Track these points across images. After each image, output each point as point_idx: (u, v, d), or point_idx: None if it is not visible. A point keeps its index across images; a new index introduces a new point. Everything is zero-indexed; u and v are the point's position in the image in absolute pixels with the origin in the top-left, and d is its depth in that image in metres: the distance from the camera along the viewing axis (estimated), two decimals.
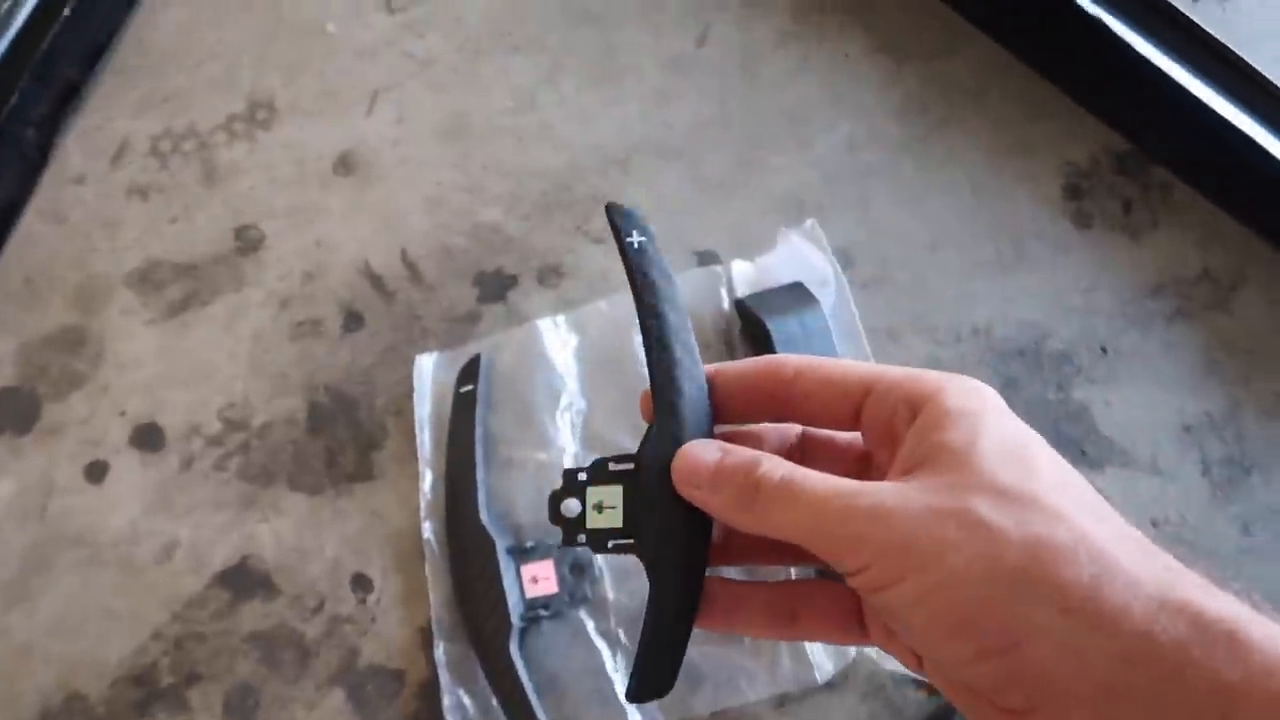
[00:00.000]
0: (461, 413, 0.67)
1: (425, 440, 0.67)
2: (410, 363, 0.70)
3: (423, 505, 0.66)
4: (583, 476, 0.40)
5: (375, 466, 0.68)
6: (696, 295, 0.70)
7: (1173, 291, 0.70)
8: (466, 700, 0.62)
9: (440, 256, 0.73)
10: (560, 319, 0.70)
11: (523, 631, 0.63)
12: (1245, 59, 0.69)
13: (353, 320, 0.72)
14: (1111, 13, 0.71)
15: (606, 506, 0.40)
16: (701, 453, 0.36)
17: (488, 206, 0.75)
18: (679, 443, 0.37)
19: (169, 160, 0.78)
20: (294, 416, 0.70)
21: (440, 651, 0.63)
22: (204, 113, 0.79)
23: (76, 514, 0.68)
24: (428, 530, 0.65)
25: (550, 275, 0.72)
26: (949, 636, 0.30)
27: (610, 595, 0.64)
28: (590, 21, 0.80)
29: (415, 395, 0.68)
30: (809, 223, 0.71)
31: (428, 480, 0.66)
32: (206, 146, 0.78)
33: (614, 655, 0.62)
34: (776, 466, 0.34)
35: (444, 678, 0.62)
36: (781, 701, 0.62)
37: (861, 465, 0.38)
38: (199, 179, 0.77)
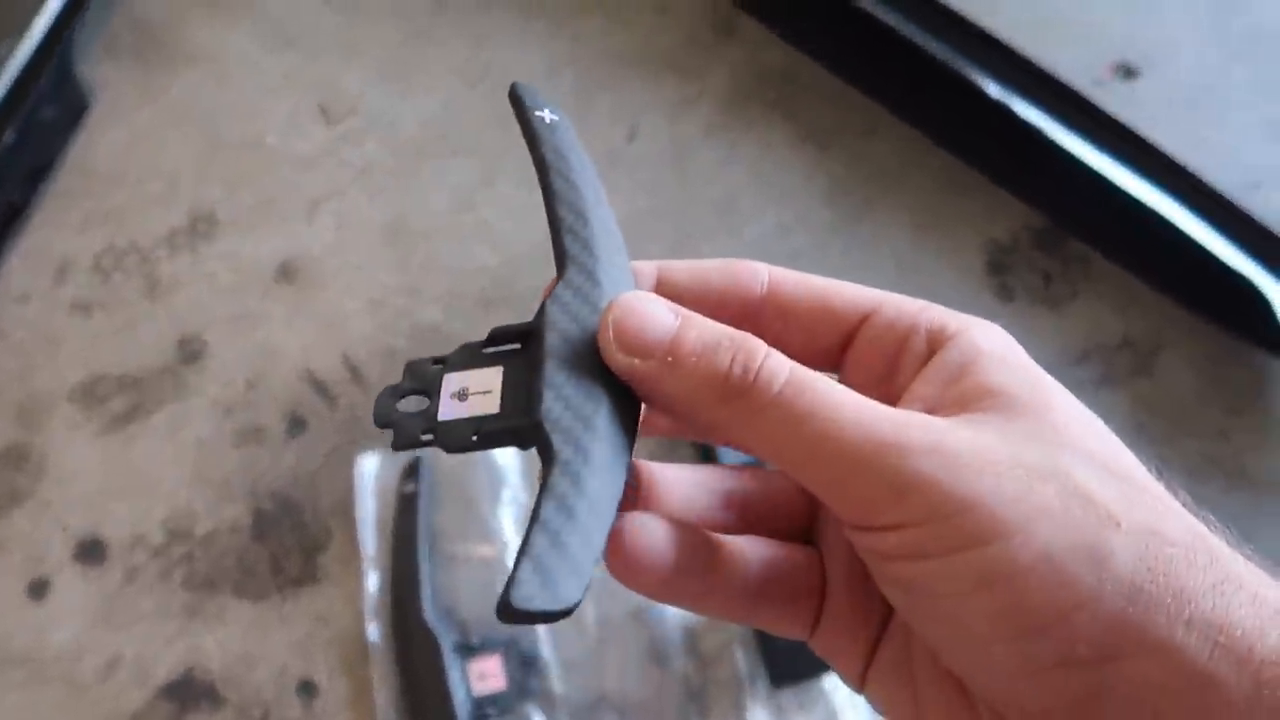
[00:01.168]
0: (404, 512, 0.67)
1: (369, 541, 0.68)
2: (354, 465, 0.70)
3: (367, 606, 0.66)
4: (435, 364, 0.30)
5: (320, 569, 0.68)
6: None
7: (1096, 359, 0.72)
8: None
9: (382, 358, 0.75)
10: None
11: None
12: (1146, 136, 0.73)
13: (296, 425, 0.73)
14: (1016, 96, 0.75)
15: (474, 393, 0.29)
16: (652, 309, 0.26)
17: (427, 306, 0.76)
18: (598, 305, 0.28)
19: (111, 276, 0.79)
20: (238, 523, 0.70)
21: None
22: (145, 228, 0.81)
23: (18, 633, 0.68)
24: (373, 631, 0.65)
25: None
26: (1020, 634, 0.22)
27: (558, 689, 0.64)
28: None
29: (357, 497, 0.69)
30: None
31: (372, 581, 0.67)
32: (148, 261, 0.79)
33: None
34: (779, 357, 0.24)
35: None
36: None
37: None
38: (141, 293, 0.78)
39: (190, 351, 0.76)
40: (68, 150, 0.84)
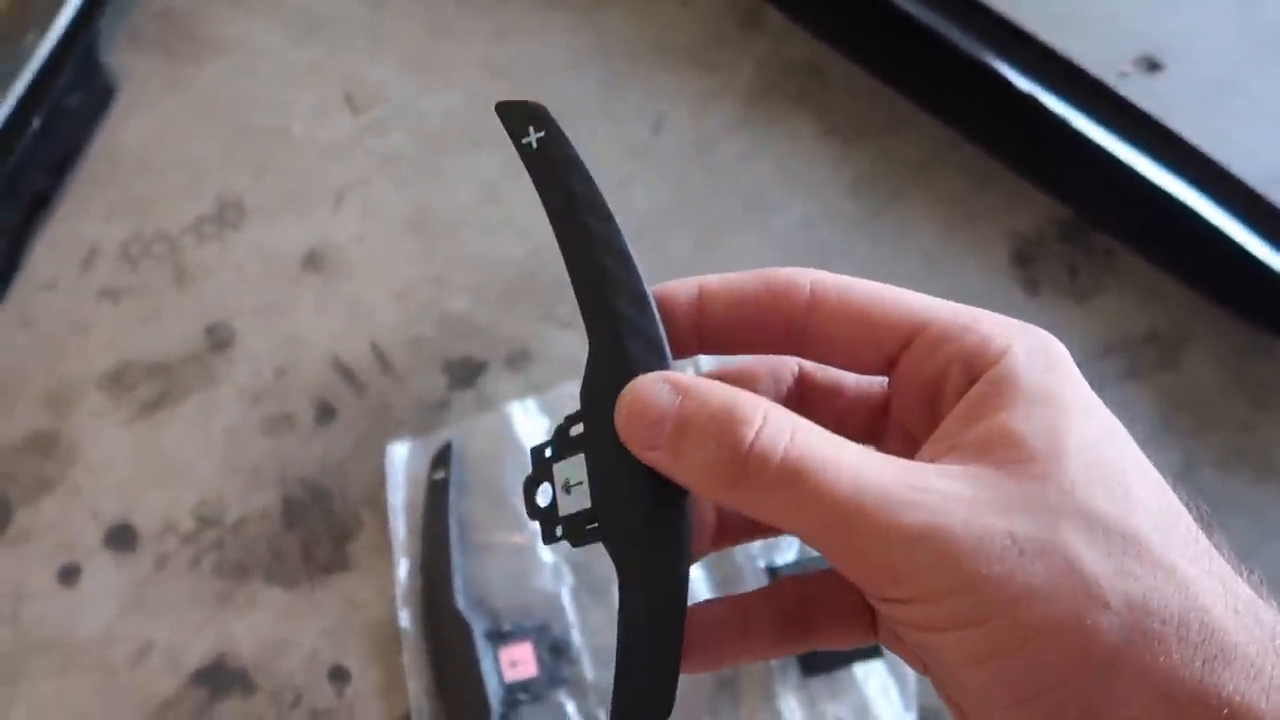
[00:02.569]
0: (435, 500, 0.68)
1: (399, 528, 0.68)
2: (383, 452, 0.70)
3: (399, 593, 0.66)
4: (548, 452, 0.30)
5: (351, 557, 0.68)
6: None
7: (1122, 352, 0.73)
8: None
9: (409, 346, 0.75)
10: (530, 402, 0.71)
11: (503, 716, 0.63)
12: (1171, 128, 0.73)
13: (325, 413, 0.73)
14: (1043, 89, 0.75)
15: (574, 484, 0.29)
16: (651, 395, 0.25)
17: (454, 296, 0.76)
18: (619, 378, 0.27)
19: (139, 263, 0.79)
20: (268, 511, 0.70)
21: None
22: (173, 216, 0.81)
23: (49, 619, 0.68)
24: (404, 618, 0.65)
25: (519, 360, 0.74)
26: (1013, 704, 0.23)
27: (590, 675, 0.64)
28: None
29: (388, 484, 0.69)
30: None
31: (403, 568, 0.67)
32: (176, 249, 0.79)
33: None
34: (774, 431, 0.24)
35: None
36: None
37: (876, 420, 0.30)
38: (169, 280, 0.78)
39: (218, 339, 0.76)
40: (94, 139, 0.84)
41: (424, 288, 0.77)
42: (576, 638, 0.65)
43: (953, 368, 0.26)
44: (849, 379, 0.30)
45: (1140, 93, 0.76)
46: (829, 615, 0.29)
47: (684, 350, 0.29)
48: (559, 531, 0.30)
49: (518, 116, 0.32)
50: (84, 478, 0.72)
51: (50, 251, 0.80)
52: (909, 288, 0.80)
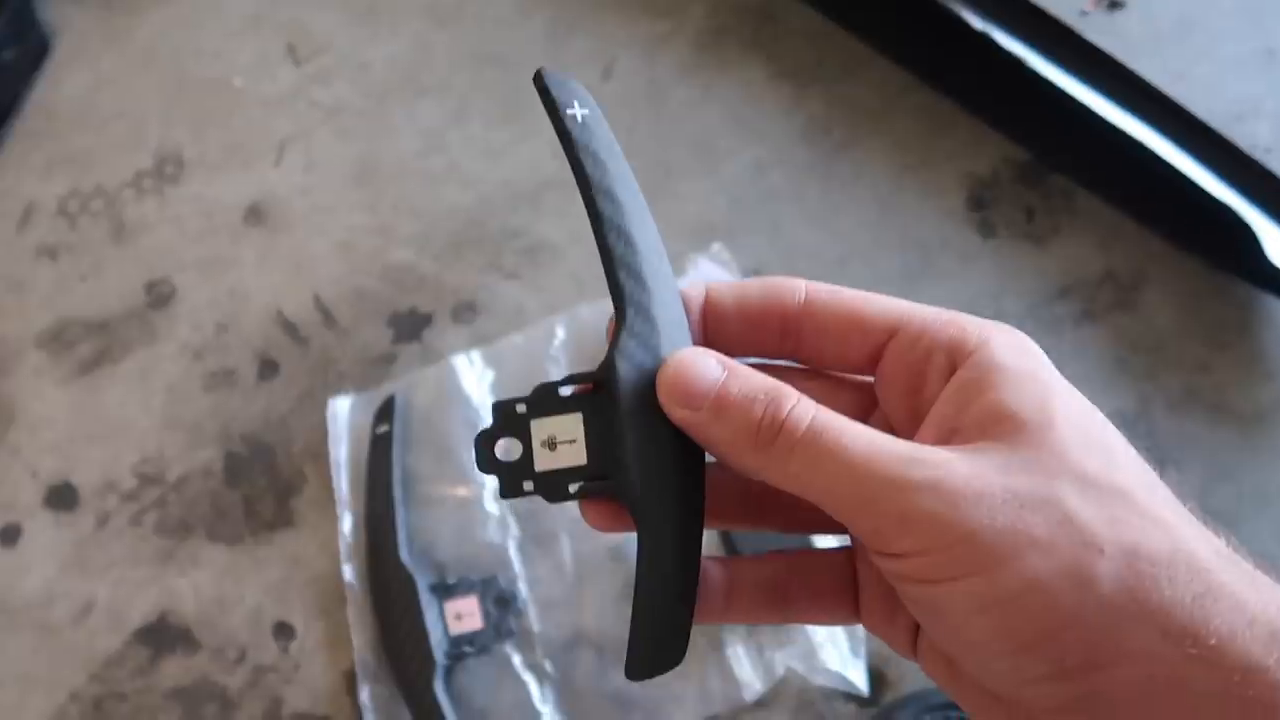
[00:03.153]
0: (378, 453, 0.67)
1: (343, 483, 0.67)
2: (326, 407, 0.69)
3: (343, 548, 0.65)
4: (521, 409, 0.31)
5: (294, 513, 0.68)
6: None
7: (1078, 294, 0.72)
8: None
9: (353, 300, 0.73)
10: (475, 354, 0.70)
11: (448, 670, 0.62)
12: (1131, 69, 0.72)
13: (267, 368, 0.72)
14: (1000, 29, 0.73)
15: (561, 441, 0.31)
16: (700, 366, 0.28)
17: (399, 248, 0.75)
18: (658, 351, 0.29)
19: (77, 220, 0.77)
20: (210, 468, 0.69)
21: (365, 695, 0.62)
22: (111, 171, 0.79)
23: None
24: (349, 573, 0.65)
25: (465, 312, 0.73)
26: (1016, 650, 0.25)
27: (536, 627, 0.63)
28: (495, 62, 0.81)
29: (331, 438, 0.68)
30: (716, 246, 0.72)
31: (347, 523, 0.66)
32: (115, 204, 0.78)
33: (541, 688, 0.62)
34: (805, 404, 0.27)
35: None
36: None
37: (861, 413, 0.31)
38: (108, 236, 0.77)
39: (159, 295, 0.74)
40: (30, 93, 0.82)
41: (368, 239, 0.75)
42: (523, 590, 0.64)
43: (935, 357, 0.28)
44: (846, 379, 0.32)
45: (1100, 32, 0.75)
46: (809, 592, 0.31)
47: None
48: (528, 486, 0.31)
49: (562, 91, 0.33)
50: (23, 437, 0.71)
51: None
52: (863, 233, 0.80)
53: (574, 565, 0.64)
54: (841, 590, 0.31)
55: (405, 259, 0.74)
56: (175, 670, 0.64)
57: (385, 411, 0.67)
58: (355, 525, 0.66)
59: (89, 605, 0.66)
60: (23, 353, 0.73)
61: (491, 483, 0.65)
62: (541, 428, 0.31)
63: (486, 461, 0.31)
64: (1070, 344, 0.70)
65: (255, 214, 0.77)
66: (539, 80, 0.33)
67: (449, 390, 0.69)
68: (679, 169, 0.77)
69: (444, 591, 0.63)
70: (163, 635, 0.65)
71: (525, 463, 0.31)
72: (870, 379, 0.31)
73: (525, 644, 0.63)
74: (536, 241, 0.75)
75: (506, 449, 0.31)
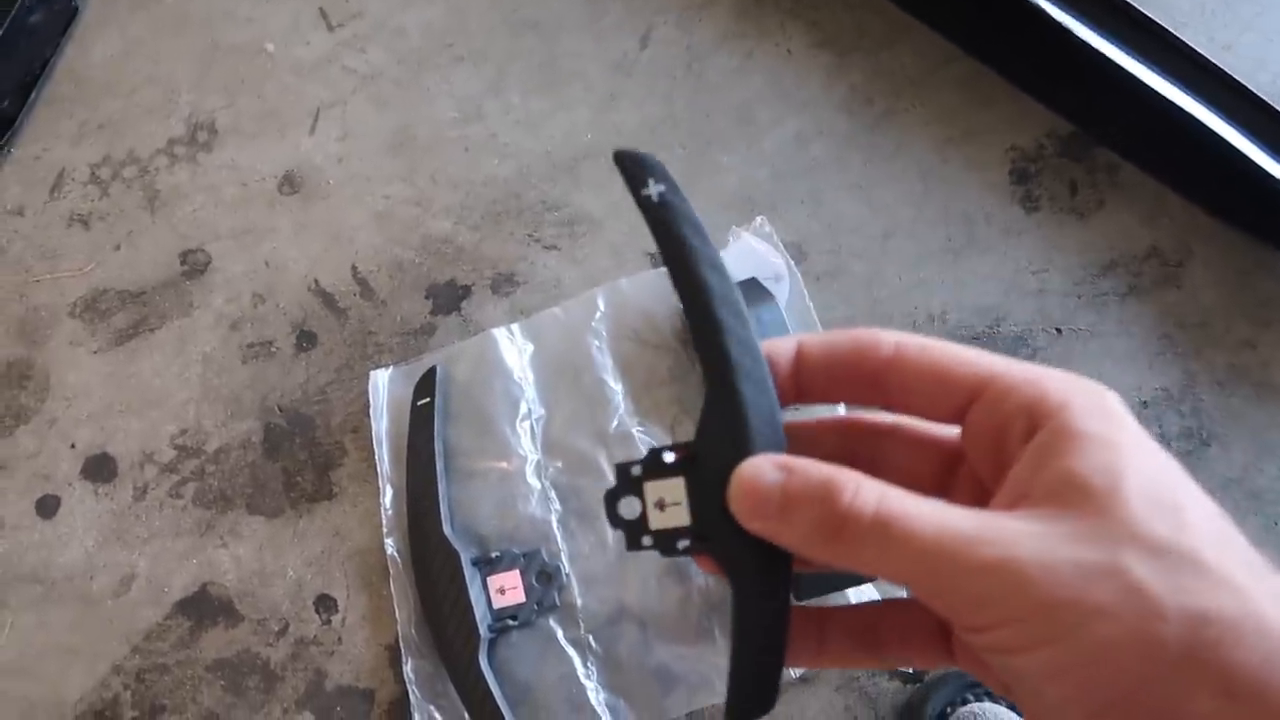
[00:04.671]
0: (420, 426, 0.66)
1: (384, 456, 0.67)
2: (365, 379, 0.69)
3: (384, 521, 0.65)
4: (637, 470, 0.34)
5: (335, 485, 0.67)
6: (652, 297, 0.70)
7: (1123, 269, 0.71)
8: (438, 716, 0.61)
9: (391, 271, 0.73)
10: (515, 327, 0.69)
11: (491, 643, 0.62)
12: (1182, 39, 0.70)
13: (305, 339, 0.71)
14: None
15: (669, 503, 0.34)
16: (761, 476, 0.30)
17: (437, 218, 0.74)
18: (741, 446, 0.32)
19: (110, 187, 0.76)
20: (249, 439, 0.69)
21: (409, 668, 0.62)
22: (143, 138, 0.78)
23: (29, 550, 0.67)
24: (391, 546, 0.64)
25: (504, 284, 0.72)
26: (1090, 715, 0.26)
27: (579, 601, 0.63)
28: (532, 29, 0.80)
29: (371, 411, 0.68)
30: (759, 219, 0.71)
31: (388, 496, 0.66)
32: (148, 172, 0.77)
33: (585, 661, 0.62)
34: (866, 495, 0.28)
35: (414, 695, 0.61)
36: None
37: (949, 465, 0.33)
38: (141, 205, 0.76)
39: (194, 264, 0.74)
40: (58, 59, 0.81)
41: (405, 209, 0.75)
42: (565, 564, 0.64)
43: (1016, 419, 0.29)
44: (929, 428, 0.33)
45: (1147, 2, 0.73)
46: (900, 637, 0.33)
47: (784, 399, 0.32)
48: (646, 541, 0.34)
49: (637, 168, 0.34)
50: (59, 408, 0.70)
51: (17, 176, 0.77)
52: (905, 207, 0.78)
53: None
54: (933, 633, 0.32)
55: (443, 230, 0.74)
56: (217, 642, 0.64)
57: (426, 383, 0.67)
58: (396, 498, 0.65)
59: (129, 577, 0.66)
60: (57, 322, 0.73)
61: (530, 470, 0.64)
62: (653, 489, 0.34)
63: (614, 518, 0.34)
64: (1115, 320, 0.69)
65: (290, 183, 0.76)
66: (619, 161, 0.33)
67: (489, 363, 0.68)
68: (720, 139, 0.76)
69: (487, 565, 0.63)
70: (204, 607, 0.65)
71: (643, 520, 0.34)
72: (958, 430, 0.32)
73: (568, 618, 0.63)
74: (575, 213, 0.74)
75: (628, 507, 0.34)
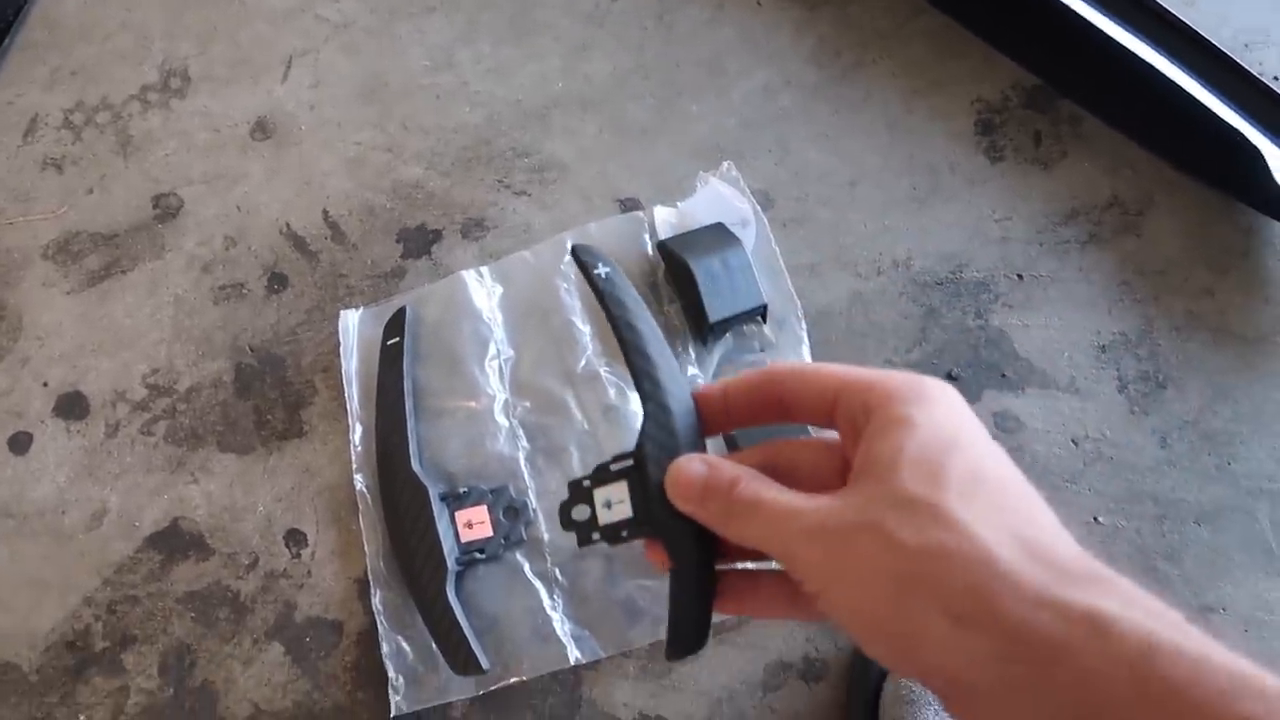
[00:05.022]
0: (389, 365, 0.67)
1: (354, 394, 0.67)
2: (336, 320, 0.69)
3: (354, 458, 0.66)
4: (586, 483, 0.45)
5: (305, 423, 0.68)
6: (620, 241, 0.71)
7: (1084, 218, 0.72)
8: (405, 646, 0.62)
9: (362, 215, 0.73)
10: (484, 270, 0.70)
11: (459, 575, 0.63)
12: None
13: (276, 281, 0.72)
14: None
15: (615, 502, 0.45)
16: (689, 469, 0.40)
17: (408, 164, 0.75)
18: (675, 449, 0.43)
19: (83, 132, 0.77)
20: (220, 379, 0.69)
21: (378, 600, 0.63)
22: (116, 84, 0.78)
23: (1, 485, 0.67)
24: (360, 482, 0.65)
25: (473, 228, 0.73)
26: (868, 640, 0.33)
27: (545, 536, 0.64)
28: None
29: (341, 351, 0.68)
30: (725, 164, 0.72)
31: (358, 433, 0.66)
32: (121, 117, 0.77)
33: (551, 593, 0.63)
34: (748, 486, 0.38)
35: (382, 626, 0.62)
36: (717, 631, 0.62)
37: (845, 462, 0.40)
38: (114, 149, 0.76)
39: (166, 208, 0.74)
40: (32, 4, 0.81)
41: (377, 156, 0.75)
42: (532, 500, 0.65)
43: (859, 415, 0.37)
44: (827, 437, 0.41)
45: None
46: (804, 598, 0.38)
47: (717, 427, 0.43)
48: (595, 536, 0.44)
49: (589, 256, 0.47)
50: (32, 347, 0.71)
51: None
52: (872, 156, 0.80)
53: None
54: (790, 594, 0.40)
55: (414, 175, 0.74)
56: (187, 575, 0.65)
57: (396, 323, 0.68)
58: (366, 436, 0.66)
59: (101, 512, 0.66)
60: (30, 263, 0.73)
61: (499, 409, 0.65)
62: (601, 494, 0.44)
63: (567, 523, 0.44)
64: (1075, 268, 0.70)
65: (262, 129, 0.76)
66: (574, 253, 0.47)
67: (459, 304, 0.69)
68: (689, 89, 0.77)
69: (455, 500, 0.63)
70: (175, 541, 0.66)
71: (592, 520, 0.44)
72: None
73: (535, 552, 0.64)
74: (545, 159, 0.74)
75: (579, 512, 0.44)
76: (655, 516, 0.43)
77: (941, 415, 0.36)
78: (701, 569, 0.43)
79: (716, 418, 0.44)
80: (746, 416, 0.43)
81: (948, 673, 0.32)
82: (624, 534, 0.44)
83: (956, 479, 0.34)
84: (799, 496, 0.37)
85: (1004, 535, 0.32)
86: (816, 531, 0.35)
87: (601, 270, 0.49)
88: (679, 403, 0.45)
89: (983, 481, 0.34)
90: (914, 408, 0.36)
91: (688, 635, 0.43)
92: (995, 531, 0.32)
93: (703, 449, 0.43)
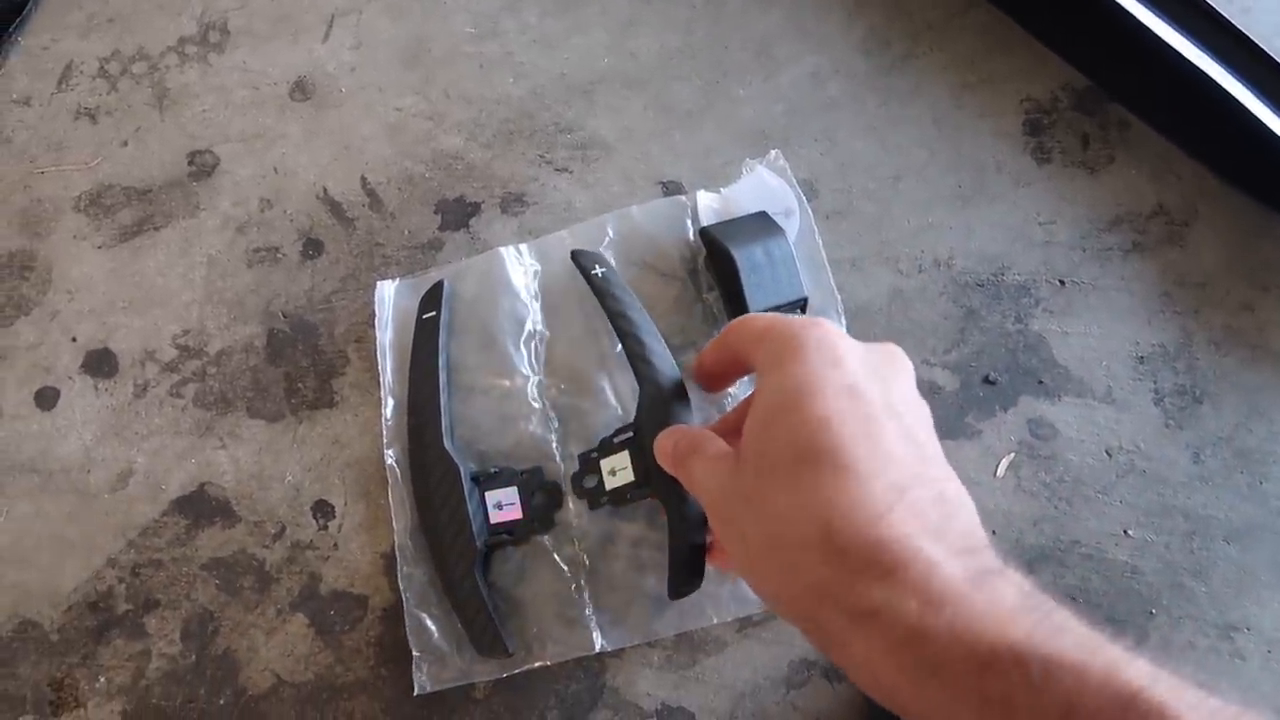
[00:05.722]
0: (424, 339, 0.66)
1: (387, 367, 0.67)
2: (371, 290, 0.69)
3: (385, 432, 0.65)
4: (594, 455, 0.58)
5: (336, 394, 0.67)
6: (662, 225, 0.70)
7: (1128, 226, 0.71)
8: (430, 624, 0.62)
9: (401, 183, 0.72)
10: (523, 247, 0.69)
11: (486, 556, 0.63)
12: None
13: (312, 247, 0.71)
14: None
15: (619, 469, 0.56)
16: (661, 439, 0.51)
17: (449, 134, 0.74)
18: (664, 419, 0.53)
19: (118, 83, 0.75)
20: (252, 344, 0.69)
21: (403, 578, 0.62)
22: (154, 35, 0.77)
23: (27, 440, 0.67)
24: (390, 457, 0.65)
25: (513, 203, 0.72)
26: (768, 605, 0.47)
27: (574, 520, 0.64)
28: None
29: (376, 321, 0.68)
30: (773, 153, 0.71)
31: (390, 407, 0.66)
32: (157, 69, 0.76)
33: (579, 579, 0.62)
34: (688, 449, 0.48)
35: (407, 602, 0.62)
36: (743, 625, 0.62)
37: None
38: (150, 102, 0.75)
39: (201, 166, 0.73)
40: None
41: (417, 123, 0.74)
42: (564, 483, 0.64)
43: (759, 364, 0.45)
44: None
45: None
46: None
47: (713, 391, 0.54)
48: (604, 500, 0.59)
49: (588, 260, 0.60)
50: (61, 300, 0.70)
51: (24, 66, 0.76)
52: (917, 149, 0.79)
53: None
54: None
55: (455, 145, 0.73)
56: (213, 541, 0.64)
57: (433, 297, 0.67)
58: (398, 410, 0.66)
59: (127, 473, 0.66)
60: (61, 215, 0.72)
61: (532, 389, 0.65)
62: (607, 463, 0.57)
63: (579, 490, 0.59)
64: (1117, 276, 0.70)
65: (302, 89, 0.75)
66: (574, 257, 0.61)
67: (496, 281, 0.68)
68: (736, 72, 0.75)
69: (486, 480, 0.63)
70: (201, 506, 0.65)
71: (600, 487, 0.57)
72: None
73: (564, 536, 0.63)
74: (589, 137, 0.73)
75: (589, 481, 0.57)
76: (652, 479, 0.53)
77: (789, 379, 0.40)
78: (692, 520, 0.53)
79: (710, 383, 0.52)
80: (724, 378, 0.51)
81: (796, 612, 0.39)
82: (629, 495, 0.56)
83: (776, 460, 0.39)
84: (719, 454, 0.45)
85: (811, 529, 0.37)
86: (709, 498, 0.44)
87: (598, 270, 0.59)
88: (669, 380, 0.54)
89: (802, 460, 0.38)
90: (768, 374, 0.41)
91: (682, 577, 0.53)
92: (801, 526, 0.37)
93: (690, 419, 0.54)
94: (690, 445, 0.47)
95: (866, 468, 0.37)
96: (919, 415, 0.42)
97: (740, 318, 0.48)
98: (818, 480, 0.37)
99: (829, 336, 0.41)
